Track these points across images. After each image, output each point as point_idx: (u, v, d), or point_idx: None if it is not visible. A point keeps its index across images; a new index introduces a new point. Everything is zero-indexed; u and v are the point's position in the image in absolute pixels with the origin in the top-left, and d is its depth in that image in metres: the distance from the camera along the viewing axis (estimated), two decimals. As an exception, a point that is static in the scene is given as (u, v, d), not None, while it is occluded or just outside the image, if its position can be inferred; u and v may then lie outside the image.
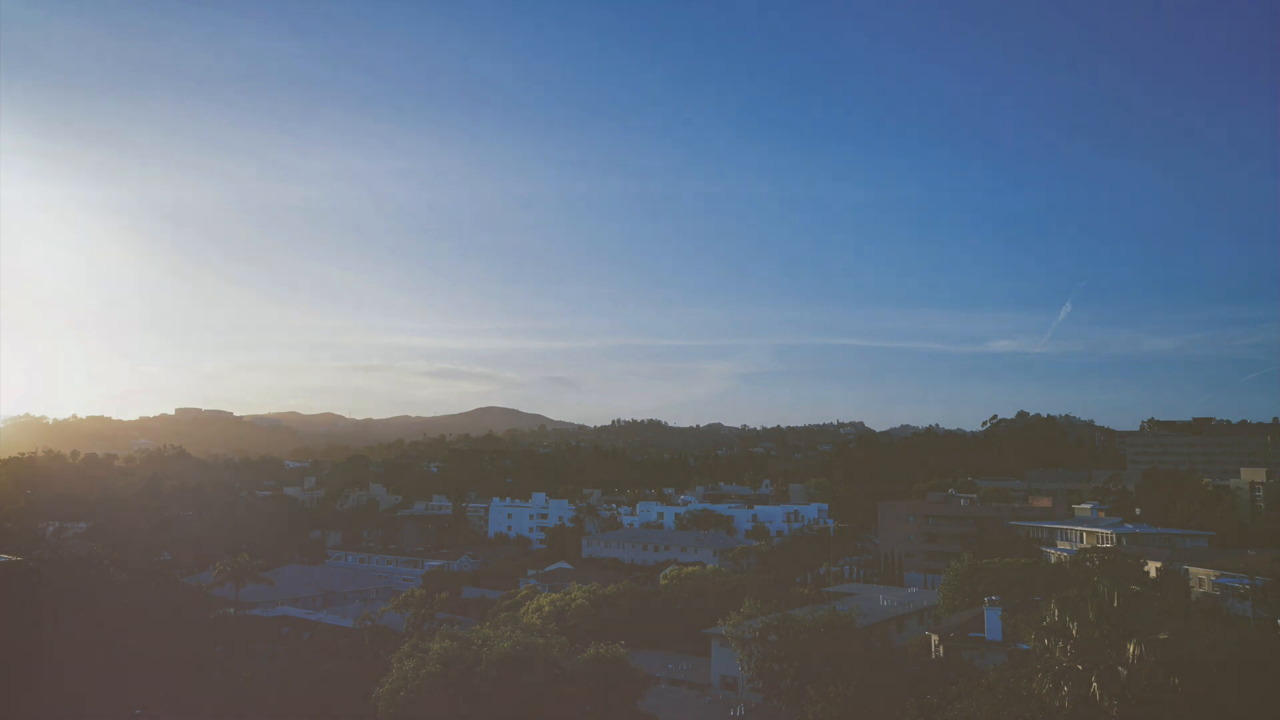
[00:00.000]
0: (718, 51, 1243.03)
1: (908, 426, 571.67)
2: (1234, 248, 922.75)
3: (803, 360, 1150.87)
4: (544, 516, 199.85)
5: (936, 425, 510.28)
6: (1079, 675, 36.97)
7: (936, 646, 68.22)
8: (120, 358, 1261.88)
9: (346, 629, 77.47)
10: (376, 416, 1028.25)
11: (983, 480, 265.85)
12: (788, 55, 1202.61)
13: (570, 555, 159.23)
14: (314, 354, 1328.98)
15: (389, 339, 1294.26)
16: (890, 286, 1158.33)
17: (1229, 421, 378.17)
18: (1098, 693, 35.75)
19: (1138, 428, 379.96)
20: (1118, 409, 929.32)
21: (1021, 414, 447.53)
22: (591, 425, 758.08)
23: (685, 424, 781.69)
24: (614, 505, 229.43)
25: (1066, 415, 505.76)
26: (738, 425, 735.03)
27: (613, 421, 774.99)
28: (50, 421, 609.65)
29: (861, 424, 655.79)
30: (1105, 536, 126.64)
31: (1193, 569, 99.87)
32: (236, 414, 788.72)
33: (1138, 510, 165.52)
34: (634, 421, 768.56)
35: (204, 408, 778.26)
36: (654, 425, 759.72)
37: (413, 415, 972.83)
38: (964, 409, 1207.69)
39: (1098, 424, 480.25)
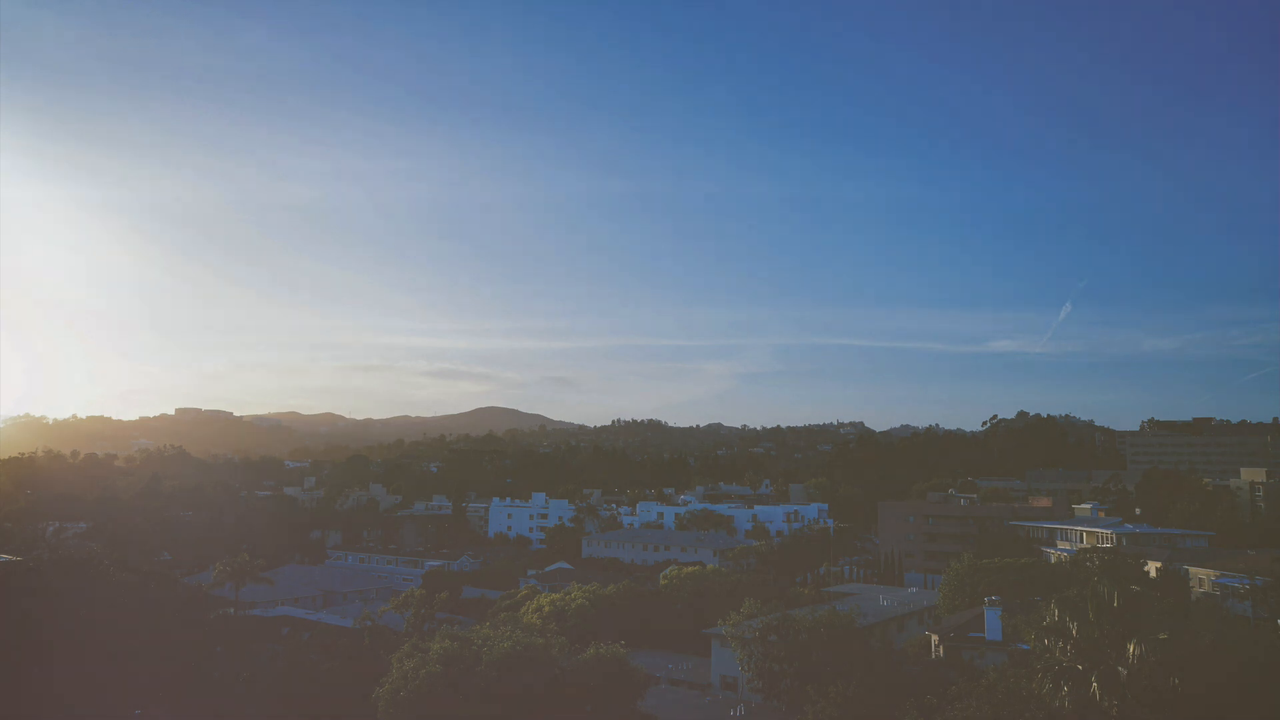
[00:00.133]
0: (718, 51, 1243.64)
1: (908, 426, 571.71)
2: (1234, 248, 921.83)
3: (803, 360, 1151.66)
4: (544, 516, 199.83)
5: (936, 425, 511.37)
6: (1079, 675, 36.97)
7: (936, 646, 68.25)
8: (120, 358, 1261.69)
9: (346, 629, 77.43)
10: (376, 416, 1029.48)
11: (983, 480, 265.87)
12: (788, 55, 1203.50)
13: (570, 555, 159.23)
14: (314, 354, 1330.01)
15: (389, 339, 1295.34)
16: (890, 286, 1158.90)
17: (1229, 421, 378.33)
18: (1098, 693, 35.75)
19: (1138, 428, 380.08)
20: (1118, 409, 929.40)
21: (1021, 414, 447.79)
22: (591, 425, 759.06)
23: (685, 424, 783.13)
24: (614, 505, 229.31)
25: (1066, 415, 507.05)
26: (738, 425, 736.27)
27: (613, 421, 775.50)
28: (50, 421, 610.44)
29: (861, 424, 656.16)
30: (1105, 536, 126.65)
31: (1193, 569, 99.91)
32: (236, 414, 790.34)
33: (1138, 510, 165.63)
34: (634, 421, 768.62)
35: (204, 408, 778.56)
36: (654, 425, 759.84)
37: (413, 415, 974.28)
38: (964, 409, 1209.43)
39: (1098, 424, 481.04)
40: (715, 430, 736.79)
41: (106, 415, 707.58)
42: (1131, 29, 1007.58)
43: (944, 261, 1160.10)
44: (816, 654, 56.65)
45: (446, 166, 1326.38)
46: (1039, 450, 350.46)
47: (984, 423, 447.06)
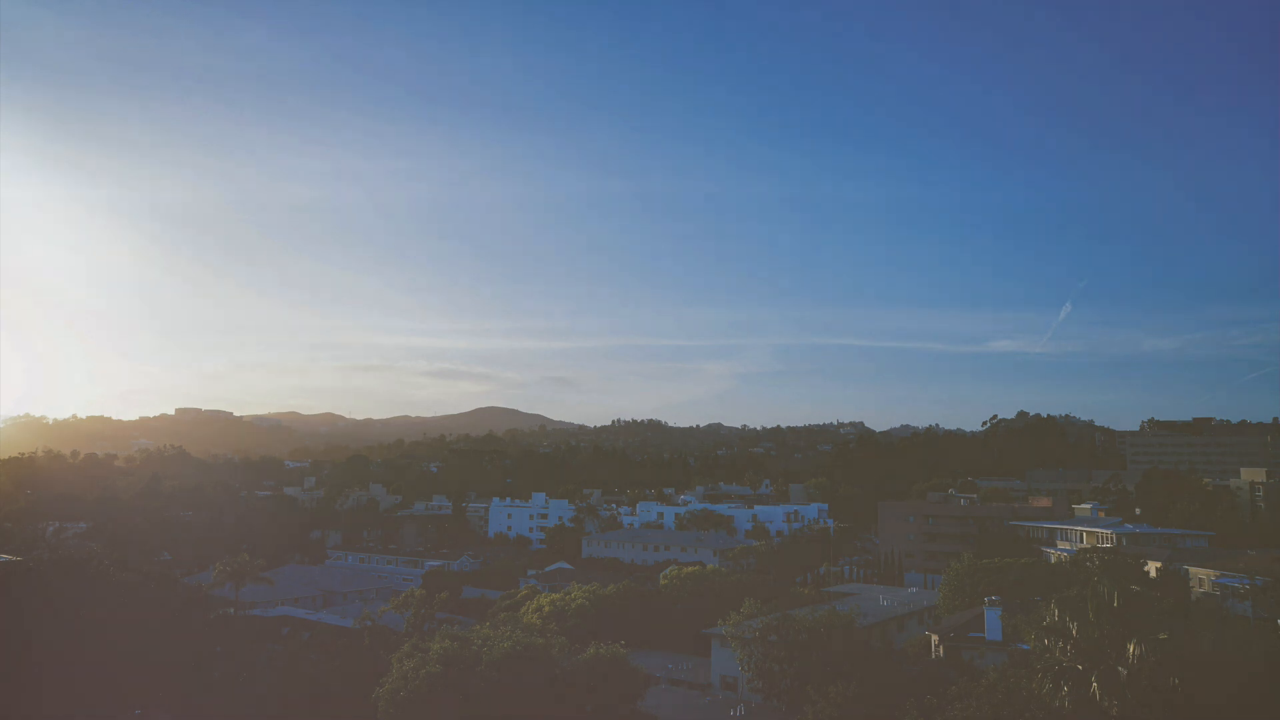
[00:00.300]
0: (718, 51, 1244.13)
1: (908, 426, 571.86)
2: (1234, 248, 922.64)
3: (803, 360, 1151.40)
4: (544, 516, 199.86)
5: (936, 425, 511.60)
6: (1079, 675, 36.95)
7: (936, 646, 68.23)
8: (120, 358, 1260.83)
9: (346, 629, 77.39)
10: (376, 416, 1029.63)
11: (983, 480, 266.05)
12: (788, 55, 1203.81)
13: (570, 555, 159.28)
14: (314, 354, 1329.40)
15: (389, 339, 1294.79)
16: (890, 286, 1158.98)
17: (1229, 421, 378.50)
18: (1098, 693, 35.73)
19: (1138, 428, 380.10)
20: (1118, 409, 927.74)
21: (1021, 414, 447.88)
22: (591, 425, 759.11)
23: (685, 424, 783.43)
24: (614, 505, 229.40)
25: (1066, 415, 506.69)
26: (738, 425, 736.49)
27: (613, 421, 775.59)
28: (50, 421, 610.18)
29: (861, 424, 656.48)
30: (1105, 536, 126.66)
31: (1193, 569, 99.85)
32: (236, 414, 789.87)
33: (1138, 510, 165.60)
34: (634, 421, 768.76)
35: (204, 408, 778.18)
36: (654, 425, 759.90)
37: (413, 415, 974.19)
38: (964, 409, 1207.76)
39: (1098, 424, 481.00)
40: (715, 430, 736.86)
41: (106, 415, 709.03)
42: (1131, 29, 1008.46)
43: (944, 261, 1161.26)
44: (816, 654, 56.61)
45: (446, 166, 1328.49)
46: (1039, 450, 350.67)
47: (984, 423, 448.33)
